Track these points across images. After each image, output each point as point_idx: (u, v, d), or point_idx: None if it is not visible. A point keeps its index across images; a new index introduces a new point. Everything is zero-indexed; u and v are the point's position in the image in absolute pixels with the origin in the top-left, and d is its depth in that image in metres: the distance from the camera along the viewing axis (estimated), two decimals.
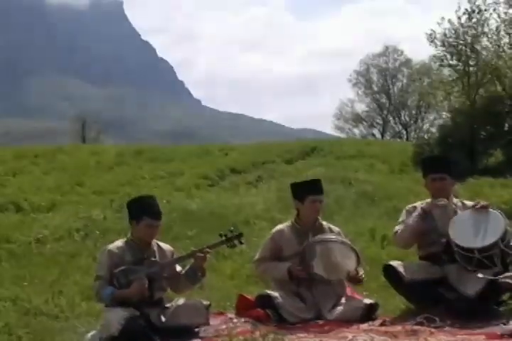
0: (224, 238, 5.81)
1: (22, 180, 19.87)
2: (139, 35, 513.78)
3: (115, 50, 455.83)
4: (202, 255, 5.65)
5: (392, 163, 22.08)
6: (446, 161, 6.56)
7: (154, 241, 5.77)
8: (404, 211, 6.44)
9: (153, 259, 5.62)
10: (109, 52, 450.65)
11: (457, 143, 21.70)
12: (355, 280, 6.07)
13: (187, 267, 5.77)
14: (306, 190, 6.27)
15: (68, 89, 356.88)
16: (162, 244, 5.85)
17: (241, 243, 5.94)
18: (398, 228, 6.25)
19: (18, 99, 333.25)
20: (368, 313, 5.77)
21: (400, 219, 6.37)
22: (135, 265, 5.52)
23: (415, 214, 6.13)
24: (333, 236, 6.14)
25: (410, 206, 6.43)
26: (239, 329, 5.43)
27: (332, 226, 6.38)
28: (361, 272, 6.10)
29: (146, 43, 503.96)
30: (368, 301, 5.88)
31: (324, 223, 6.36)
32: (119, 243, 5.68)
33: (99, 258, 5.77)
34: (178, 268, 5.81)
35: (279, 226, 6.40)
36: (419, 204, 6.39)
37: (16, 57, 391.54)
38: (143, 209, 5.64)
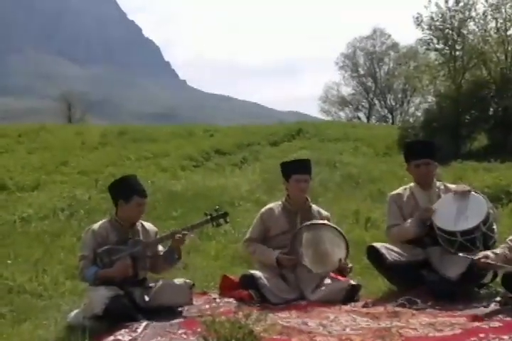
0: (209, 217, 5.81)
1: (6, 159, 19.82)
2: (125, 14, 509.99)
3: (100, 29, 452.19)
4: (180, 236, 5.65)
5: (377, 146, 22.14)
6: (429, 146, 6.54)
7: (138, 221, 5.76)
8: (389, 200, 6.40)
9: (137, 238, 5.62)
10: (93, 31, 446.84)
11: (442, 127, 21.76)
12: (342, 270, 6.08)
13: (165, 248, 5.79)
14: (292, 169, 6.30)
15: (51, 69, 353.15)
16: (146, 224, 5.84)
17: (226, 222, 5.94)
18: (392, 223, 6.20)
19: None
20: (351, 294, 5.82)
21: (388, 210, 6.34)
22: (119, 245, 5.53)
23: (415, 223, 6.02)
24: (324, 221, 6.16)
25: (394, 193, 6.41)
26: (222, 309, 5.45)
27: (322, 211, 6.41)
28: (349, 265, 6.13)
29: (132, 23, 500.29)
30: (350, 282, 5.92)
31: (314, 206, 6.39)
32: (103, 223, 5.67)
33: (83, 238, 5.75)
34: (160, 247, 5.82)
35: (269, 205, 6.43)
36: (401, 190, 6.39)
37: None
38: (131, 189, 5.64)
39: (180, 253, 5.78)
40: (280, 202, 6.39)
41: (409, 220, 6.11)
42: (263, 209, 6.39)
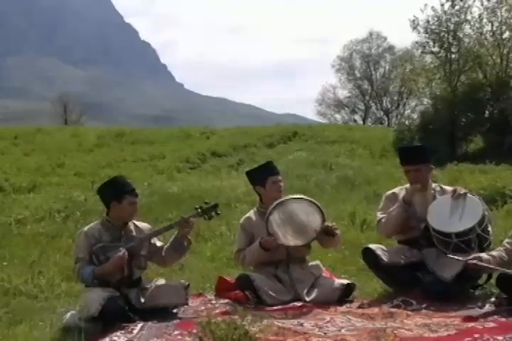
0: (200, 210, 5.82)
1: (2, 160, 19.82)
2: (122, 17, 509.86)
3: (97, 31, 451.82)
4: (186, 224, 5.67)
5: (373, 148, 22.16)
6: (420, 151, 6.47)
7: (130, 221, 5.77)
8: (383, 197, 6.45)
9: (131, 235, 5.64)
10: (90, 33, 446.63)
11: (438, 130, 21.81)
12: (329, 232, 6.03)
13: (172, 238, 5.77)
14: (265, 173, 6.30)
15: (48, 71, 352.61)
16: (138, 223, 5.85)
17: (217, 214, 5.92)
18: (381, 216, 6.23)
19: None
20: (345, 294, 5.84)
21: (380, 206, 6.38)
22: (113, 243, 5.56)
23: (397, 205, 6.12)
24: (287, 197, 6.15)
25: (389, 192, 6.45)
26: (218, 311, 5.47)
27: None
28: (332, 223, 6.08)
29: (129, 26, 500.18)
30: (344, 281, 5.94)
31: None
32: (94, 224, 5.69)
33: (76, 242, 5.76)
34: (159, 243, 5.83)
35: (246, 215, 6.45)
36: (397, 189, 6.42)
37: None
38: (122, 189, 5.66)
39: (190, 240, 5.79)
40: (255, 209, 6.41)
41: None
42: (241, 220, 6.40)
